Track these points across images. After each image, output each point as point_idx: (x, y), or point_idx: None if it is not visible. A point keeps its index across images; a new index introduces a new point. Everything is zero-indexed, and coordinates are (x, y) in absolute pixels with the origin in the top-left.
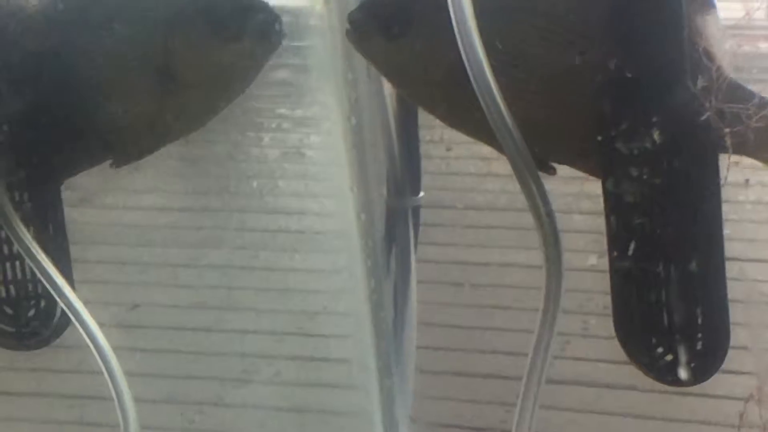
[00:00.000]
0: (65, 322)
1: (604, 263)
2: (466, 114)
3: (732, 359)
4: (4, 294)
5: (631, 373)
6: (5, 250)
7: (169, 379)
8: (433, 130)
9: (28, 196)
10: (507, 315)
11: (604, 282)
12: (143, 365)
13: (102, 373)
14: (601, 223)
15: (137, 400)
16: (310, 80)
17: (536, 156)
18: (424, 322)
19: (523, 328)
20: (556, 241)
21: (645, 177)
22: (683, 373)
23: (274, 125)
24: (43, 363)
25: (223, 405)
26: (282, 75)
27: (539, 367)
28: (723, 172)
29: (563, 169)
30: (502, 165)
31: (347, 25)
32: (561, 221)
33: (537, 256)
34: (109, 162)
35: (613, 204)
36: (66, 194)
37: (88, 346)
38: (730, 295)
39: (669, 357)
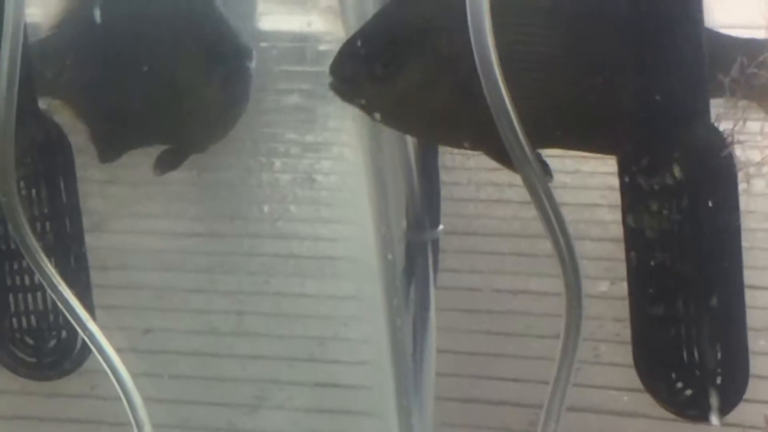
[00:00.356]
0: (85, 352)
1: (615, 290)
2: (474, 129)
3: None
4: (25, 324)
5: (643, 401)
6: (27, 280)
7: (181, 404)
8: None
9: (50, 226)
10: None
11: (615, 309)
12: (154, 390)
13: (120, 399)
14: (611, 249)
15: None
16: (322, 106)
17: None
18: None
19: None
20: (575, 269)
21: (665, 212)
22: (704, 409)
23: (283, 149)
24: (54, 388)
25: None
26: (293, 100)
27: (559, 397)
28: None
29: (572, 196)
30: (516, 192)
31: (329, 78)
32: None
33: (548, 283)
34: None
35: (633, 240)
36: None
37: (104, 372)
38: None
39: (689, 392)
